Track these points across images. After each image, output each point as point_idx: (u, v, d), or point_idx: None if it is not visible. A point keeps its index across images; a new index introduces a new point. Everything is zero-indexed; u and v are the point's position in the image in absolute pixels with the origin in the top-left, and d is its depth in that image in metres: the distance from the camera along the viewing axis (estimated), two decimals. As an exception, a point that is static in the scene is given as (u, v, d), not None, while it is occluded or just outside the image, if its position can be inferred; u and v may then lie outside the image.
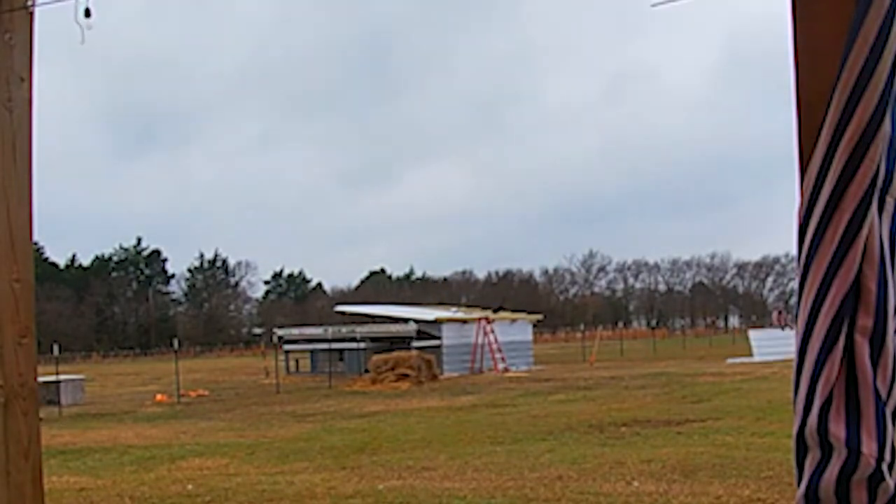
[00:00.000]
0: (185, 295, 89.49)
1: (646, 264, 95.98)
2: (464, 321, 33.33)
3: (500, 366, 31.87)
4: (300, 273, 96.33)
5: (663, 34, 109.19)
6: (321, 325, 37.45)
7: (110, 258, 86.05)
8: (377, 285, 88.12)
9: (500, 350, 32.38)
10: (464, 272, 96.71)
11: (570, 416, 15.54)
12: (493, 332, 32.61)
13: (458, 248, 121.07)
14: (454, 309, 37.09)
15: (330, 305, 63.03)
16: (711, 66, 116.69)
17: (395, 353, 27.83)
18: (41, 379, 2.36)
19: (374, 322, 34.41)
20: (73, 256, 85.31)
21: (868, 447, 1.13)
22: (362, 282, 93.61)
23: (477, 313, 35.15)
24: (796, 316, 1.22)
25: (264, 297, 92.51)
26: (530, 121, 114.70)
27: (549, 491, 8.82)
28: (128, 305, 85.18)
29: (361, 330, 32.50)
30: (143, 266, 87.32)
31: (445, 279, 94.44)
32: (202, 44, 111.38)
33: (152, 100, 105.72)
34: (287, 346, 35.35)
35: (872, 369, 1.15)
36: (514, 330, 33.90)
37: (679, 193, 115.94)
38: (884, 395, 1.15)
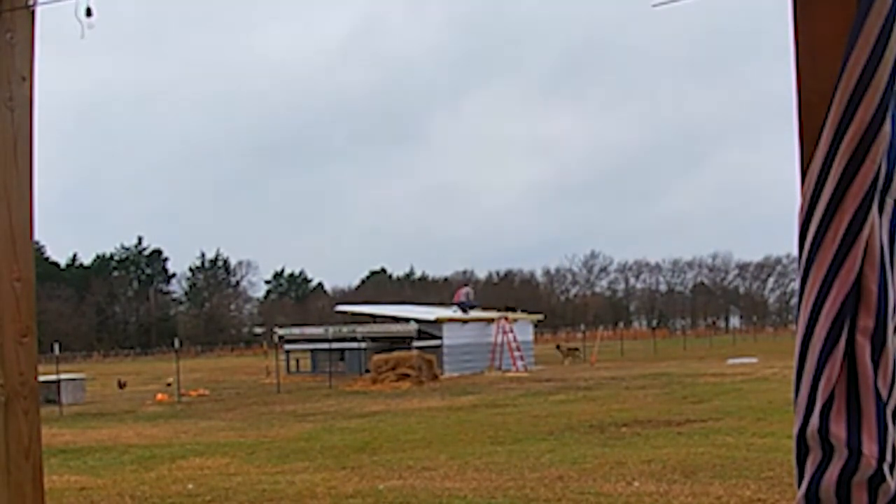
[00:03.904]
0: (186, 294, 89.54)
1: (647, 264, 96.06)
2: (463, 322, 33.38)
3: (519, 363, 32.20)
4: (301, 273, 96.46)
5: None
6: (322, 324, 37.46)
7: (111, 257, 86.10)
8: (378, 285, 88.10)
9: (518, 349, 32.70)
10: (464, 272, 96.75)
11: (571, 417, 15.54)
12: (512, 331, 32.94)
13: (459, 247, 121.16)
14: (480, 310, 37.38)
15: (330, 305, 63.04)
16: (712, 68, 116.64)
17: (395, 353, 27.83)
18: (42, 378, 2.35)
19: (375, 322, 34.43)
20: (74, 256, 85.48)
21: (869, 448, 1.13)
22: (363, 281, 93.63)
23: (494, 314, 35.47)
24: (797, 317, 1.22)
25: (265, 297, 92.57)
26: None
27: (550, 491, 8.82)
28: (129, 305, 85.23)
29: (362, 330, 32.51)
30: (143, 265, 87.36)
31: (446, 279, 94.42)
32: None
33: (154, 95, 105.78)
34: (288, 346, 35.37)
35: (873, 370, 1.15)
36: (516, 330, 33.93)
37: (680, 193, 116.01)
38: (885, 395, 1.15)
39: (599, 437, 12.72)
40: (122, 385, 30.40)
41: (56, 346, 23.59)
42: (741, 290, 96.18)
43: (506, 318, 33.89)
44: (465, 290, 36.42)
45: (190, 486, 10.04)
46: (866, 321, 1.16)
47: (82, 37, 2.08)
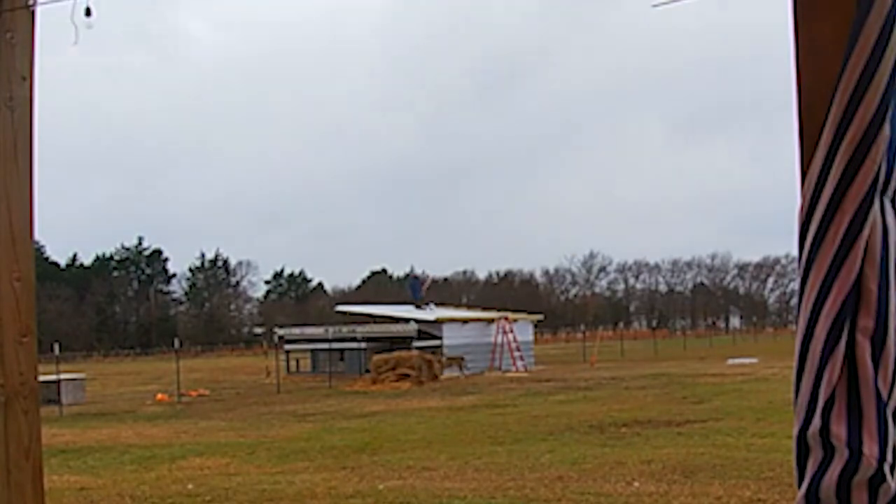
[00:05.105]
0: (186, 294, 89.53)
1: (646, 265, 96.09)
2: (464, 321, 33.40)
3: (519, 363, 32.22)
4: (301, 273, 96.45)
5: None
6: (322, 324, 37.46)
7: (111, 257, 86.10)
8: (378, 285, 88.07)
9: (518, 349, 32.70)
10: (464, 272, 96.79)
11: (571, 417, 15.54)
12: (512, 331, 32.94)
13: (459, 247, 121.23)
14: (479, 310, 37.52)
15: (331, 305, 63.00)
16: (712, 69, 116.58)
17: (395, 353, 27.84)
18: (42, 378, 2.35)
19: (375, 322, 34.42)
20: (74, 256, 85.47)
21: (869, 448, 1.13)
22: (363, 282, 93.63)
23: (494, 314, 35.56)
24: (797, 317, 1.22)
25: (265, 297, 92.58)
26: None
27: (550, 491, 8.82)
28: (129, 305, 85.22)
29: (362, 330, 32.51)
30: (144, 265, 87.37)
31: (446, 279, 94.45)
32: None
33: (156, 96, 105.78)
34: (288, 346, 35.38)
35: (874, 370, 1.15)
36: (516, 330, 34.00)
37: (679, 193, 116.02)
38: (885, 395, 1.15)
39: (599, 438, 12.72)
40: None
41: (56, 346, 23.59)
42: (741, 290, 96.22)
43: (506, 319, 33.91)
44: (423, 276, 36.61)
45: (190, 486, 10.04)
46: (866, 321, 1.16)
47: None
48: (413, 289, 36.19)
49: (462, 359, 30.45)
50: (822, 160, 1.20)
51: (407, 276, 37.46)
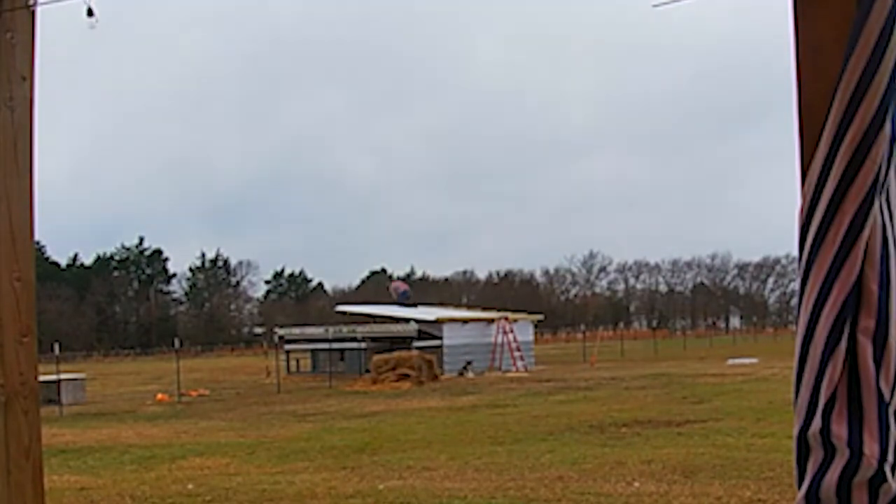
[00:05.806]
0: (186, 294, 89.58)
1: (646, 265, 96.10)
2: (464, 321, 33.42)
3: (520, 363, 32.23)
4: (301, 273, 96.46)
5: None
6: (322, 324, 37.47)
7: (112, 257, 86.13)
8: (378, 285, 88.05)
9: (518, 349, 32.71)
10: (465, 272, 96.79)
11: (571, 417, 15.54)
12: (512, 331, 32.95)
13: (460, 248, 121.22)
14: (479, 310, 37.60)
15: (331, 305, 63.00)
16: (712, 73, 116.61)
17: (395, 353, 27.84)
18: (42, 378, 2.35)
19: (375, 322, 34.43)
20: (75, 256, 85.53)
21: (870, 448, 1.13)
22: (363, 282, 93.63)
23: (494, 314, 35.63)
24: (797, 318, 1.22)
25: (265, 297, 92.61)
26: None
27: (550, 491, 8.82)
28: (129, 305, 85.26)
29: (362, 330, 32.50)
30: (144, 265, 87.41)
31: (446, 279, 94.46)
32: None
33: (156, 98, 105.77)
34: (288, 346, 35.38)
35: (875, 370, 1.15)
36: (516, 330, 34.01)
37: (680, 193, 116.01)
38: (887, 395, 1.15)
39: (599, 438, 12.72)
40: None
41: (56, 346, 23.59)
42: (741, 290, 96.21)
43: (506, 319, 33.93)
44: (395, 285, 37.24)
45: (190, 486, 10.04)
46: (867, 321, 1.16)
47: (90, 27, 2.07)
48: (401, 297, 36.61)
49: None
50: (823, 160, 1.20)
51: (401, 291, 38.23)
